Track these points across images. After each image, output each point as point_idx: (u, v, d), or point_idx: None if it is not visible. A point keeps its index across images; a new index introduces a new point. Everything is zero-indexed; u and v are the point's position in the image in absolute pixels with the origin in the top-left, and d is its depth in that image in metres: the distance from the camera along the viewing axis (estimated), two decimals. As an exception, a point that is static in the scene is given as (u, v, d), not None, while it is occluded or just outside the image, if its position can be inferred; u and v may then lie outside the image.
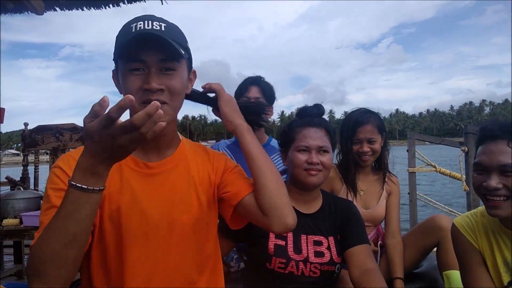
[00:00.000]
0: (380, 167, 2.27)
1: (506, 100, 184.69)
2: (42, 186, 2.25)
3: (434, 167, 3.76)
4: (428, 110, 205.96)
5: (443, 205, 4.18)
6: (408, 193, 3.74)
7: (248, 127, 1.31)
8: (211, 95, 1.40)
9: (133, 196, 1.16)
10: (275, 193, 1.19)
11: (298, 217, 1.62)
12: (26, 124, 3.49)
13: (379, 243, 2.23)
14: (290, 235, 1.63)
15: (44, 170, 3.04)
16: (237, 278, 1.99)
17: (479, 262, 1.46)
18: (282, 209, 1.18)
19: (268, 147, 2.44)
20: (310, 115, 1.75)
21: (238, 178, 1.28)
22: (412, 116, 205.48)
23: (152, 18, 1.12)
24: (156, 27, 1.10)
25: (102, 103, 0.80)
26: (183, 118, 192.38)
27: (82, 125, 0.85)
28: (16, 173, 3.75)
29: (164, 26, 1.12)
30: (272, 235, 1.62)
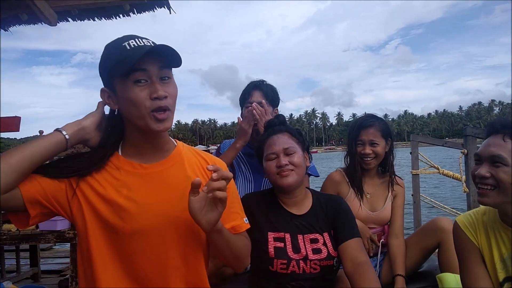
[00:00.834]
0: (385, 171, 2.35)
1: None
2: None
3: (437, 169, 3.81)
4: (436, 111, 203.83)
5: (446, 206, 4.22)
6: (412, 195, 3.79)
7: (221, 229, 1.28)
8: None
9: (130, 193, 1.22)
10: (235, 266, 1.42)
11: (292, 218, 1.73)
12: (41, 132, 3.61)
13: (381, 241, 2.30)
14: (287, 236, 1.69)
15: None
16: (245, 280, 2.04)
17: (478, 260, 1.52)
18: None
19: None
20: (273, 125, 1.85)
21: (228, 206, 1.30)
22: (420, 117, 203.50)
23: (138, 36, 1.21)
24: (147, 43, 1.19)
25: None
26: (193, 122, 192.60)
27: None
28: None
29: (152, 42, 1.21)
30: (270, 239, 1.69)
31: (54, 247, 5.84)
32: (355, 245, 1.65)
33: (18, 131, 3.84)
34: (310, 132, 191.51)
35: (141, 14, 4.17)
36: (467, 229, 1.55)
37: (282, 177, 1.69)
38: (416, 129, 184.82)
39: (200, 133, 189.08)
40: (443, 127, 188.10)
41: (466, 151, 3.48)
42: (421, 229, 2.28)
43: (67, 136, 1.20)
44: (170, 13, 4.01)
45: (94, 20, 4.16)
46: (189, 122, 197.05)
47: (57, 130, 1.21)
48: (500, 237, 1.48)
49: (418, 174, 3.81)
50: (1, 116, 4.03)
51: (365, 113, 2.42)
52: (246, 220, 1.43)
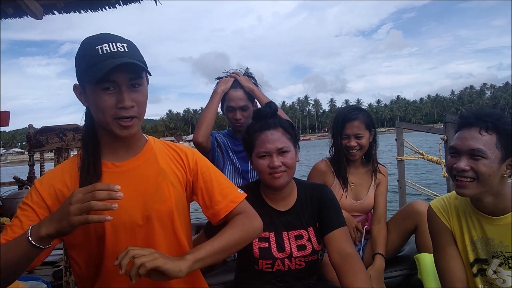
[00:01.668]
0: (369, 160, 2.42)
1: (507, 83, 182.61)
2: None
3: (422, 154, 3.90)
4: (429, 96, 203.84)
5: (430, 191, 4.32)
6: (398, 181, 3.89)
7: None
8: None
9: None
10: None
11: (277, 215, 1.72)
12: (30, 126, 3.65)
13: (365, 227, 2.38)
14: (272, 235, 1.69)
15: (49, 168, 3.18)
16: (233, 267, 2.06)
17: (450, 241, 1.59)
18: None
19: None
20: (264, 116, 1.75)
21: (216, 191, 1.39)
22: (413, 102, 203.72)
23: (114, 39, 1.21)
24: (120, 48, 1.19)
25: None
26: (185, 111, 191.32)
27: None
28: (21, 172, 3.90)
29: (126, 46, 1.21)
30: (255, 240, 1.66)
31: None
32: (341, 235, 1.63)
33: (8, 125, 3.85)
34: (303, 120, 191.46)
35: (127, 5, 4.19)
36: (440, 213, 1.62)
37: (275, 178, 1.65)
38: (408, 114, 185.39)
39: (192, 123, 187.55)
40: (435, 112, 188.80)
41: (446, 137, 3.55)
42: (399, 212, 2.36)
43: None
44: (156, 4, 4.03)
45: (80, 12, 4.17)
46: (181, 111, 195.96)
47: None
48: (471, 221, 1.56)
49: (403, 160, 3.90)
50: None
51: (352, 103, 2.44)
52: (240, 190, 1.46)
